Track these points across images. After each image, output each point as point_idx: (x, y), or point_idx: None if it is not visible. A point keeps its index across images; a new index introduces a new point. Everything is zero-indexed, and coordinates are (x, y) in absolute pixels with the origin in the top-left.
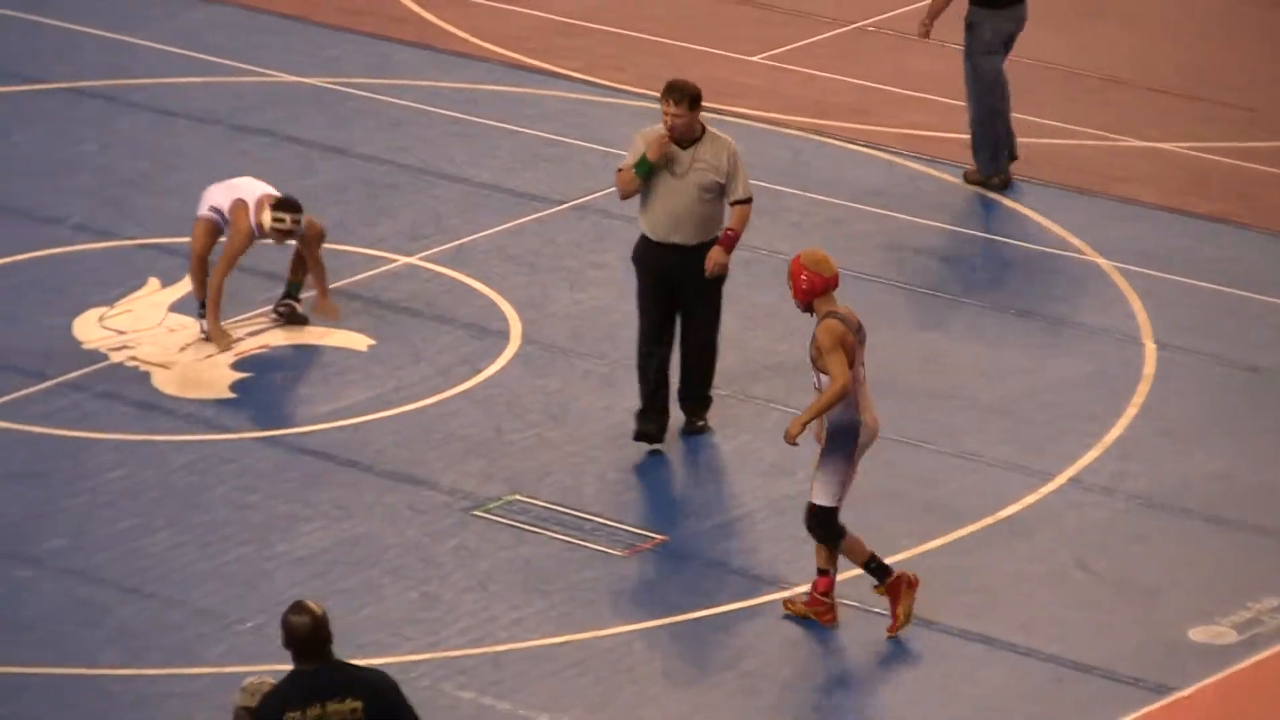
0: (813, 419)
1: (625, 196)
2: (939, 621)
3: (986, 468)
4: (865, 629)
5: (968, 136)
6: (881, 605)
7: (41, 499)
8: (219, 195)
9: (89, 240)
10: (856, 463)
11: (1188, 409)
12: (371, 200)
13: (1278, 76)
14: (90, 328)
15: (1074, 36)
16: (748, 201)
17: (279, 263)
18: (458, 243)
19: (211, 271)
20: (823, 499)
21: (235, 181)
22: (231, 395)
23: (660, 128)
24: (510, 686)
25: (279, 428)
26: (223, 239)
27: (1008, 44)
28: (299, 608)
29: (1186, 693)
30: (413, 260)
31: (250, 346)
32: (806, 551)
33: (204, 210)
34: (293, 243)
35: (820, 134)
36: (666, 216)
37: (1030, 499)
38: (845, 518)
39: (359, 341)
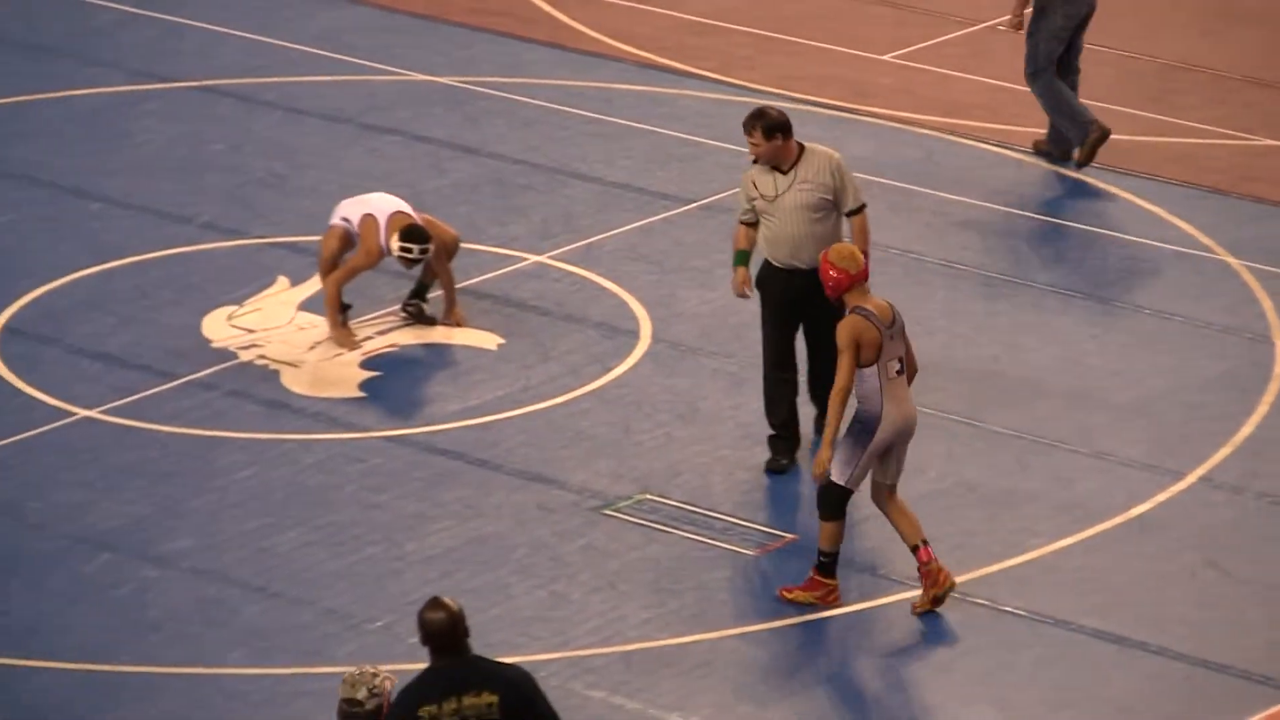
0: (832, 439)
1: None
2: (1070, 621)
3: (1119, 467)
4: (997, 629)
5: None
6: (1025, 609)
7: (170, 498)
8: (351, 209)
9: (218, 239)
10: (880, 454)
11: None
12: (502, 199)
13: None
14: (219, 326)
15: (1217, 39)
16: (861, 209)
17: None
18: (588, 242)
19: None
20: (835, 475)
21: (368, 196)
22: (360, 394)
23: (754, 168)
24: (639, 686)
25: (408, 427)
26: (351, 253)
27: (1082, 26)
28: (435, 604)
29: None
30: (543, 259)
31: (379, 345)
32: (939, 550)
33: (336, 219)
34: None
35: (952, 133)
36: (785, 242)
37: (1161, 498)
38: (975, 514)
39: (488, 340)
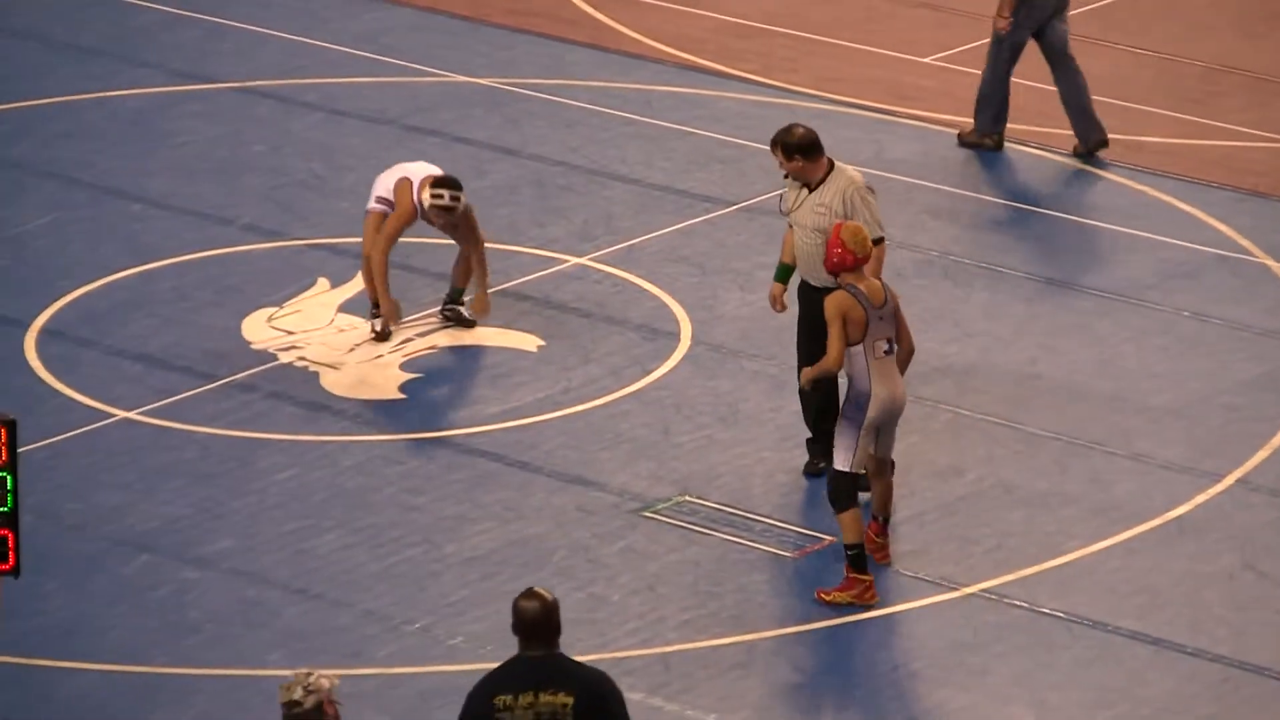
0: (815, 377)
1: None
2: (1108, 622)
3: (1157, 469)
4: (1035, 630)
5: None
6: (1063, 611)
7: (210, 500)
8: (386, 181)
9: (258, 240)
10: (873, 432)
11: None
12: (542, 201)
13: None
14: (259, 328)
15: (1259, 41)
16: (880, 241)
17: (448, 263)
18: (628, 244)
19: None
20: (838, 464)
21: (402, 164)
22: (400, 396)
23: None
24: (679, 688)
25: (448, 429)
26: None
27: (1058, 10)
28: (531, 593)
29: None
30: (583, 261)
31: (419, 347)
32: (976, 552)
33: (372, 202)
34: (452, 241)
35: None
36: (801, 258)
37: (1199, 500)
38: (1014, 516)
39: (528, 342)
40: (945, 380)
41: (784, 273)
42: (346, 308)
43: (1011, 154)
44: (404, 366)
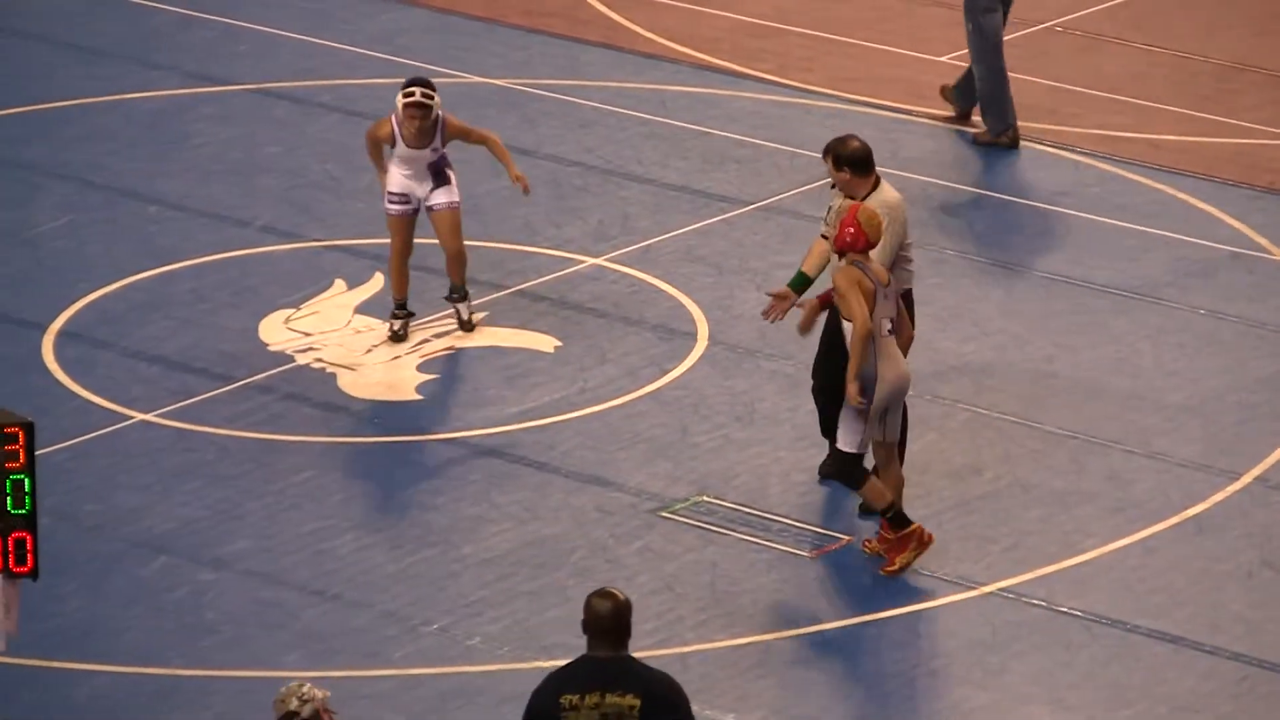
0: (858, 368)
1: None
2: (1126, 621)
3: (1174, 467)
4: (1053, 629)
5: (979, 99)
6: (1081, 609)
7: (227, 501)
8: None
9: (275, 242)
10: (881, 414)
11: None
12: (558, 201)
13: None
14: (276, 330)
15: (1274, 39)
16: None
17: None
18: (645, 244)
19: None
20: (844, 445)
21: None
22: (417, 397)
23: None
24: (696, 688)
25: (465, 429)
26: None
27: (1006, 2)
28: (604, 592)
29: None
30: (600, 261)
31: (436, 348)
32: (994, 551)
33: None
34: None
35: None
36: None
37: (1217, 498)
38: (1031, 514)
39: (545, 343)
40: (962, 379)
41: (800, 281)
42: (363, 309)
43: (1026, 152)
44: (421, 367)
